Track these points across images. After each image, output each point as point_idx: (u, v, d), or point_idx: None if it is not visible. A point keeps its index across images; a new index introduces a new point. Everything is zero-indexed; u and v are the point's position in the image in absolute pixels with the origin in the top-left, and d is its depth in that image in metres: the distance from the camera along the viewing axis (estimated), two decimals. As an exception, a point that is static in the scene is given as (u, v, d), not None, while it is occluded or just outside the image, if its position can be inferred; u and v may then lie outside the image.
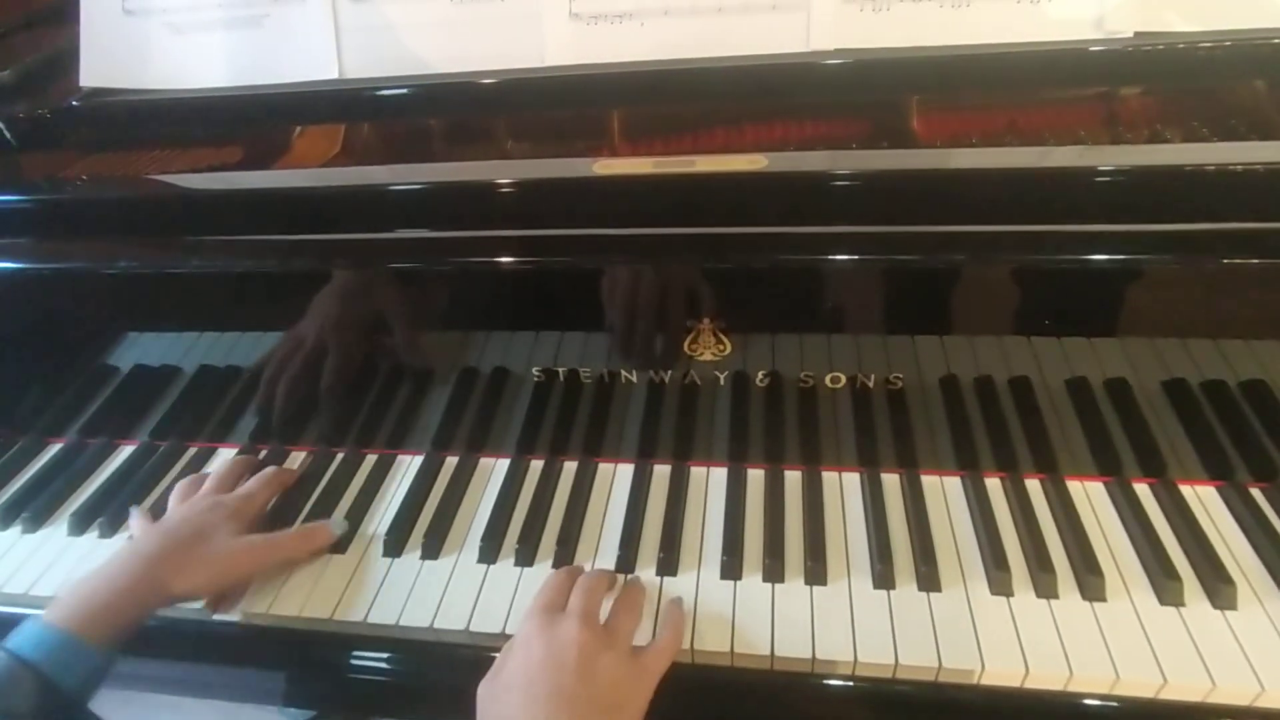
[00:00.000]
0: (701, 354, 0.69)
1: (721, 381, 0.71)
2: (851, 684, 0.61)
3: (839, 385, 0.70)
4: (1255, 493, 0.70)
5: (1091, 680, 0.58)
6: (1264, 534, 0.67)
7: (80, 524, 0.76)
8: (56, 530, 0.76)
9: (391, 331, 0.73)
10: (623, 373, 0.72)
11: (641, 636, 0.62)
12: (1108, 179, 0.63)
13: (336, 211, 0.73)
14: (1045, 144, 0.70)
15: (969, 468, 0.74)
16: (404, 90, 0.79)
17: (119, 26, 0.82)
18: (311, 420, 0.82)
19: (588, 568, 0.68)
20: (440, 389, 0.76)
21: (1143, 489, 0.71)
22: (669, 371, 0.71)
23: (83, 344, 0.80)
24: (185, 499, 0.72)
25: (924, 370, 0.69)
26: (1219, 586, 0.62)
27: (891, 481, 0.74)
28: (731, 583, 0.66)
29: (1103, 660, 0.58)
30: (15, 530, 0.77)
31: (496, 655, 0.63)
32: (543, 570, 0.68)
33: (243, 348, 0.78)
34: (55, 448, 0.86)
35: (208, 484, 0.74)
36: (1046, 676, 0.58)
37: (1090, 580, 0.63)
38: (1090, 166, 0.64)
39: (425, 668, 0.65)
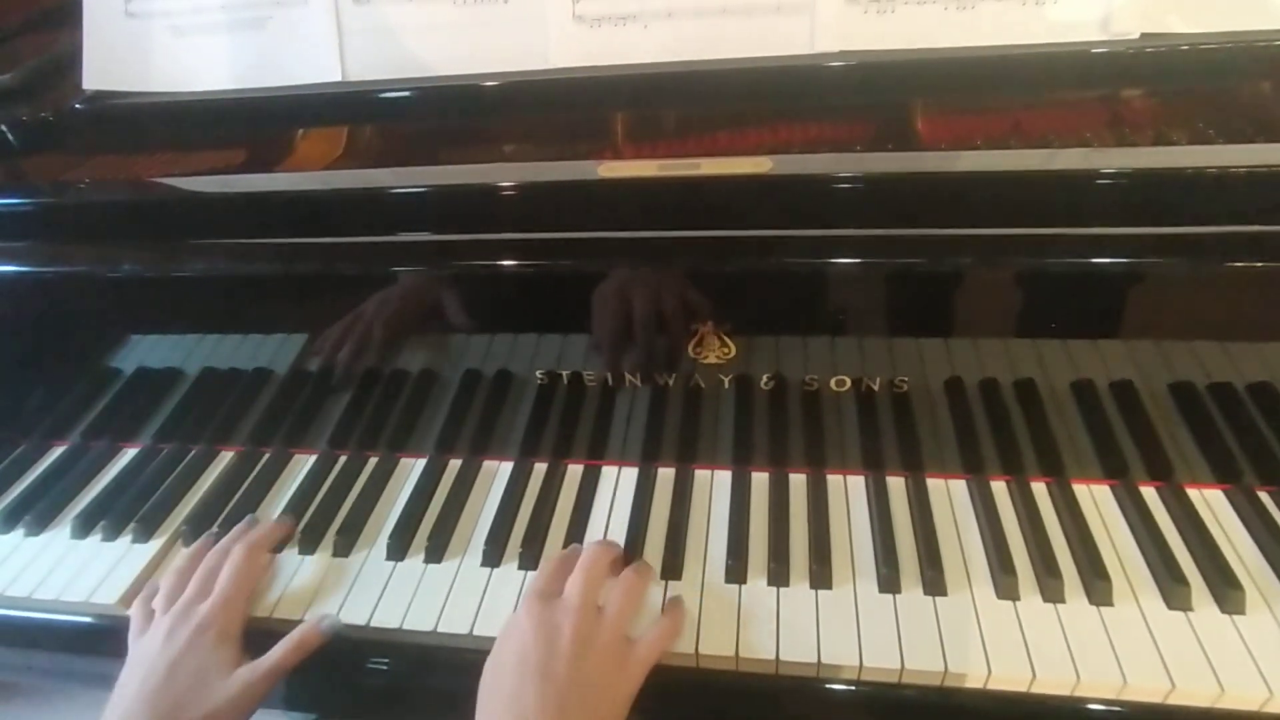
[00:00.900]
0: (706, 357, 0.69)
1: (726, 385, 0.71)
2: (857, 688, 0.60)
3: (844, 388, 0.70)
4: (1263, 496, 0.70)
5: (1098, 685, 0.57)
6: (1272, 538, 0.66)
7: (84, 527, 0.76)
8: (60, 533, 0.76)
9: (395, 334, 0.73)
10: (627, 376, 0.72)
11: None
12: (1113, 182, 0.63)
13: (339, 214, 0.73)
14: (1050, 146, 0.69)
15: (975, 471, 0.73)
16: (407, 93, 0.79)
17: (122, 29, 0.82)
18: (315, 423, 0.81)
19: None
20: (444, 392, 0.76)
21: (1149, 492, 0.71)
22: (673, 375, 0.71)
23: (86, 347, 0.80)
24: (169, 601, 0.66)
25: (929, 373, 0.68)
26: (1227, 591, 0.62)
27: (897, 485, 0.73)
28: (736, 586, 0.66)
29: (1110, 665, 0.58)
30: (18, 533, 0.76)
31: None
32: (546, 574, 0.68)
33: (245, 350, 0.78)
34: (58, 451, 0.86)
35: (190, 588, 0.66)
36: (1053, 681, 0.58)
37: (1097, 584, 0.63)
38: (1095, 169, 0.64)
39: (428, 671, 0.65)
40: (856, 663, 0.59)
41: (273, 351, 0.77)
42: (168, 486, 0.80)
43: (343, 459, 0.81)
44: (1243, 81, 0.73)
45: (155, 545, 0.74)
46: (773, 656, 0.60)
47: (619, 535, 0.71)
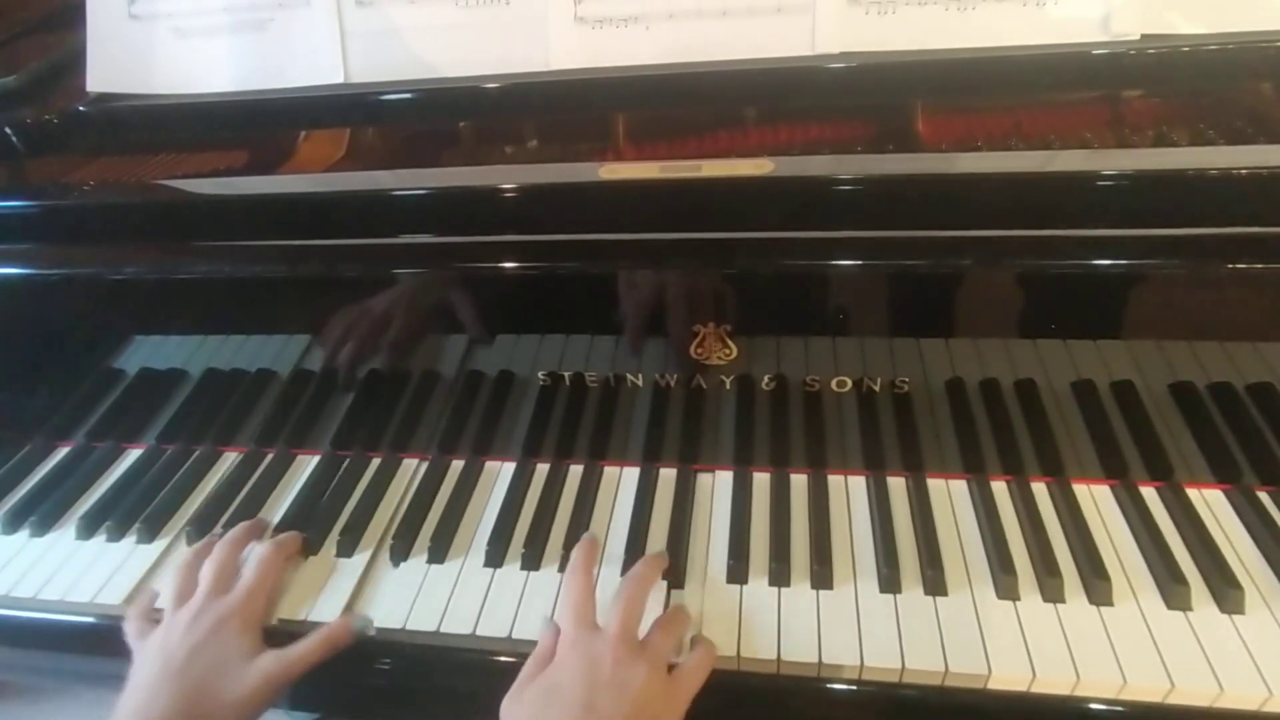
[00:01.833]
0: (707, 358, 0.69)
1: (727, 385, 0.71)
2: (858, 688, 0.60)
3: (845, 389, 0.70)
4: (1263, 496, 0.70)
5: (1098, 685, 0.58)
6: (1272, 538, 0.66)
7: (88, 527, 0.76)
8: (64, 534, 0.77)
9: (398, 336, 0.73)
10: (628, 377, 0.72)
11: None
12: (1113, 183, 0.63)
13: (342, 216, 0.73)
14: (1051, 147, 0.70)
15: (975, 471, 0.73)
16: (409, 95, 0.79)
17: (125, 31, 0.82)
18: (318, 424, 0.82)
19: (596, 570, 0.67)
20: (446, 393, 0.76)
21: (1149, 492, 0.71)
22: (675, 375, 0.71)
23: (90, 348, 0.81)
24: (181, 601, 0.65)
25: (930, 374, 0.68)
26: (1226, 591, 0.62)
27: (897, 485, 0.74)
28: (738, 586, 0.66)
29: (1110, 665, 0.58)
30: (23, 534, 0.77)
31: (502, 659, 0.64)
32: (549, 574, 0.68)
33: (248, 352, 0.78)
34: (63, 451, 0.86)
35: (204, 583, 0.66)
36: (1053, 681, 0.58)
37: (1097, 584, 0.63)
38: (1096, 170, 0.64)
39: (431, 671, 0.65)
40: (857, 662, 0.60)
41: (276, 353, 0.77)
42: (172, 487, 0.80)
43: (346, 460, 0.81)
44: (1244, 82, 0.73)
45: (160, 546, 0.75)
46: (774, 656, 0.61)
47: (620, 535, 0.71)
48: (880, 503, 0.72)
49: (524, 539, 0.71)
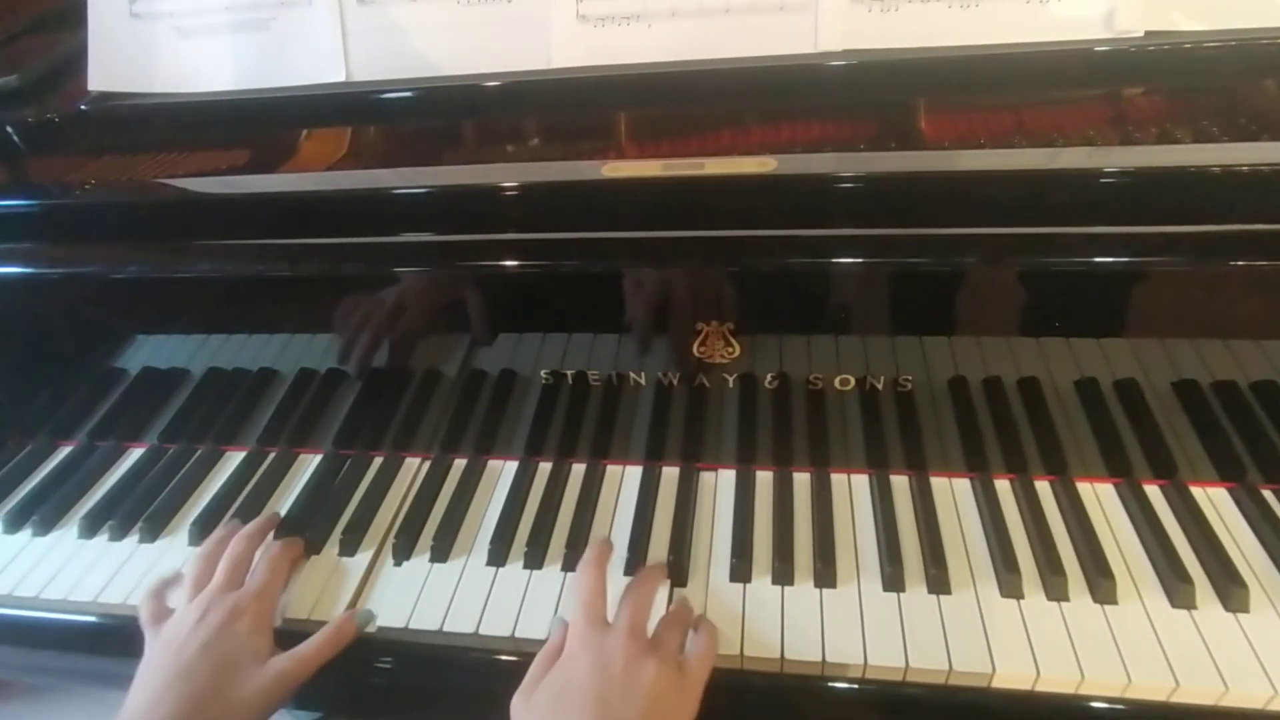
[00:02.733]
0: (710, 357, 0.69)
1: (730, 384, 0.71)
2: (861, 687, 0.60)
3: (848, 387, 0.70)
4: (1267, 494, 0.70)
5: (1103, 683, 0.58)
6: (1276, 536, 0.66)
7: (90, 527, 0.76)
8: (67, 533, 0.77)
9: (400, 335, 0.73)
10: (631, 375, 0.72)
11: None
12: (1117, 180, 0.63)
13: (344, 215, 0.73)
14: (1054, 145, 0.69)
15: (978, 470, 0.73)
16: (411, 93, 0.79)
17: (126, 30, 0.82)
18: (320, 423, 0.81)
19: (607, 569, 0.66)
20: (449, 392, 0.76)
21: (1153, 491, 0.71)
22: (677, 374, 0.71)
23: (91, 347, 0.81)
24: (196, 590, 0.65)
25: (933, 372, 0.68)
26: (1231, 589, 0.62)
27: (901, 483, 0.74)
28: (741, 585, 0.66)
29: (1114, 663, 0.58)
30: (26, 533, 0.77)
31: (505, 658, 0.64)
32: (552, 573, 0.68)
33: (250, 351, 0.78)
34: (65, 451, 0.86)
35: (218, 575, 0.66)
36: (1058, 680, 0.58)
37: (1101, 583, 0.63)
38: (1099, 168, 0.64)
39: (433, 670, 0.65)
40: (861, 661, 0.60)
41: (277, 352, 0.77)
42: (174, 487, 0.80)
43: (348, 459, 0.81)
44: (1247, 79, 0.73)
45: (162, 545, 0.75)
46: (777, 655, 0.61)
47: (623, 534, 0.71)
48: (884, 501, 0.71)
49: (527, 538, 0.71)
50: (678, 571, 0.67)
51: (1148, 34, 0.71)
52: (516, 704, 0.57)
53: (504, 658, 0.64)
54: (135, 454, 0.85)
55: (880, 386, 0.70)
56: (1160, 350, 0.65)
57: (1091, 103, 0.75)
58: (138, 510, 0.77)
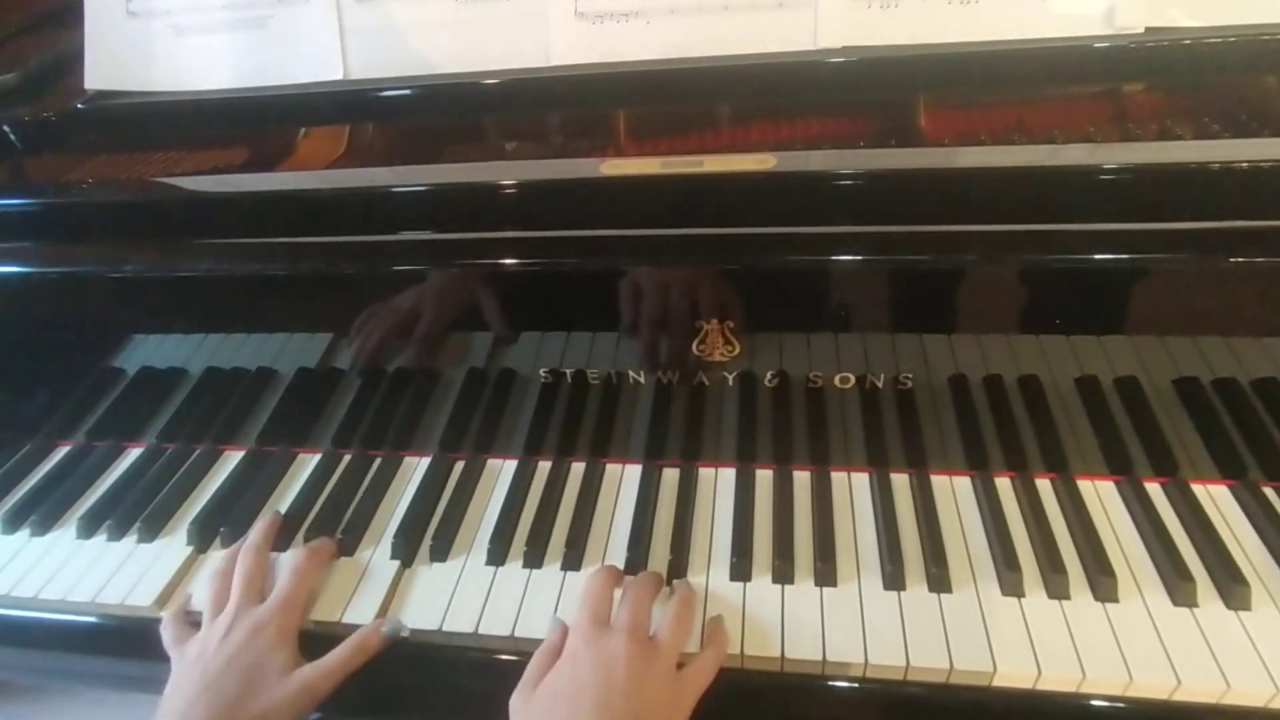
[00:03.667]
0: (710, 355, 0.69)
1: (730, 382, 0.71)
2: (862, 685, 0.60)
3: (848, 385, 0.70)
4: (1268, 492, 0.70)
5: (1105, 682, 0.57)
6: (1278, 533, 0.66)
7: (89, 527, 0.76)
8: (65, 533, 0.76)
9: (399, 333, 0.73)
10: (631, 374, 0.72)
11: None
12: (1117, 177, 0.63)
13: (342, 213, 0.73)
14: (1054, 142, 0.69)
15: (979, 468, 0.73)
16: (409, 91, 0.79)
17: (123, 29, 0.82)
18: (318, 423, 0.81)
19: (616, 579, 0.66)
20: (448, 391, 0.76)
21: (1154, 488, 0.71)
22: (677, 372, 0.71)
23: (89, 347, 0.80)
24: (218, 609, 0.65)
25: (933, 370, 0.68)
26: (1232, 587, 0.61)
27: (901, 482, 0.73)
28: (741, 584, 0.66)
29: (1116, 661, 0.58)
30: (24, 533, 0.77)
31: (505, 657, 0.63)
32: (551, 572, 0.68)
33: (248, 350, 0.78)
34: (63, 450, 0.86)
35: (235, 592, 0.65)
36: (1059, 678, 0.58)
37: (1102, 581, 0.63)
38: (1099, 164, 0.64)
39: (433, 670, 0.65)
40: (862, 660, 0.59)
41: (276, 351, 0.77)
42: (172, 486, 0.80)
43: (347, 458, 0.81)
44: (1247, 76, 0.73)
45: (160, 544, 0.74)
46: (778, 654, 0.60)
47: (623, 533, 0.71)
48: (884, 499, 0.71)
49: (526, 537, 0.71)
50: (678, 570, 0.67)
51: (1148, 30, 0.71)
52: (516, 702, 0.57)
53: (504, 657, 0.64)
54: (134, 453, 0.85)
55: (880, 385, 0.69)
56: (1161, 347, 0.65)
57: (1092, 99, 0.75)
58: (136, 510, 0.77)
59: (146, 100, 0.82)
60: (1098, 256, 0.61)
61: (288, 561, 0.68)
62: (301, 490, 0.78)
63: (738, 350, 0.69)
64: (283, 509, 0.76)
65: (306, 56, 0.80)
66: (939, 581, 0.64)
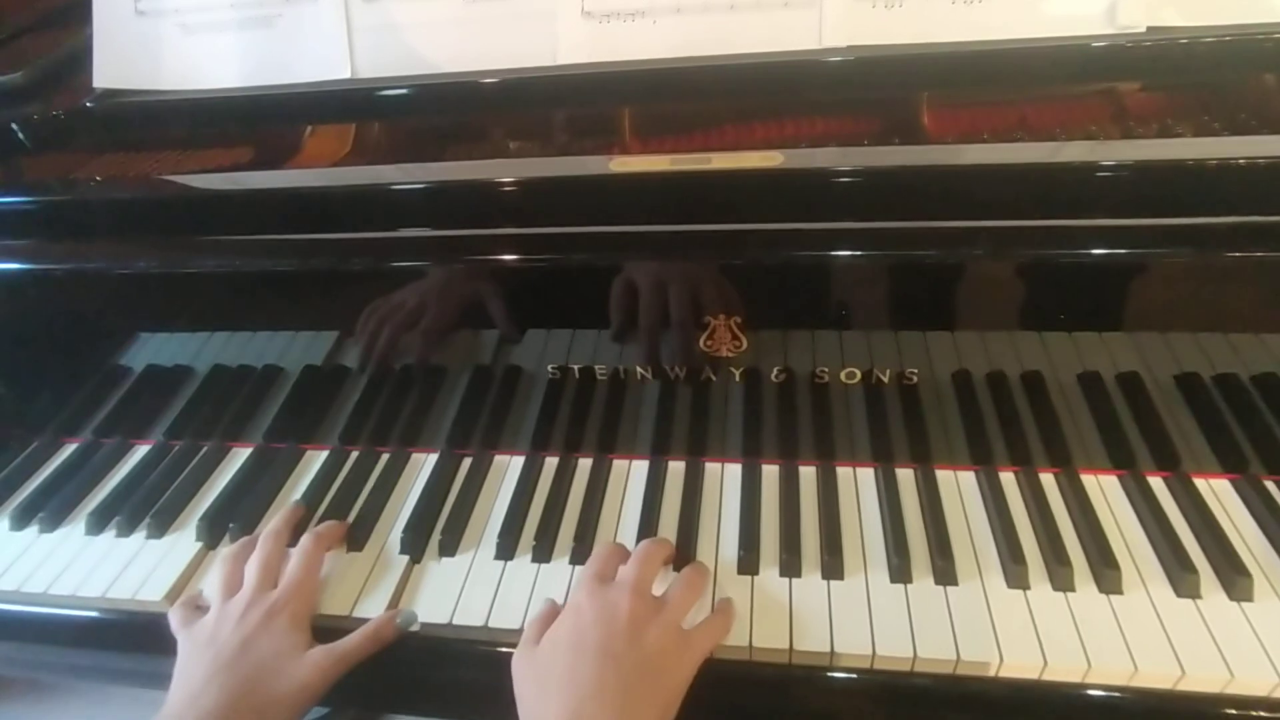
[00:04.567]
0: (717, 350, 0.69)
1: (737, 377, 0.71)
2: (869, 677, 0.61)
3: (854, 381, 0.70)
4: (1270, 485, 0.71)
5: (1109, 672, 0.58)
6: (1279, 525, 0.67)
7: (97, 523, 0.76)
8: (74, 529, 0.77)
9: (407, 330, 0.73)
10: (637, 369, 0.72)
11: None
12: (1118, 174, 0.63)
13: (348, 211, 0.73)
14: (1057, 140, 0.70)
15: (984, 462, 0.74)
16: (416, 90, 0.79)
17: (131, 27, 0.82)
18: (326, 419, 0.82)
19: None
20: (455, 387, 0.77)
21: (1157, 482, 0.72)
22: (684, 368, 0.72)
23: (97, 344, 0.81)
24: (229, 593, 0.66)
25: (938, 365, 0.69)
26: (1235, 578, 0.62)
27: (906, 476, 0.74)
28: (748, 578, 0.66)
29: (1120, 652, 0.58)
30: (33, 530, 0.77)
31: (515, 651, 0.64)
32: (560, 566, 0.69)
33: (255, 347, 0.78)
34: (71, 447, 0.86)
35: (252, 576, 0.66)
36: (1064, 669, 0.58)
37: (1106, 573, 0.63)
38: (1100, 161, 0.64)
39: (442, 663, 0.65)
40: (869, 652, 0.60)
41: (283, 348, 0.78)
42: (181, 483, 0.80)
43: (355, 455, 0.82)
44: (1247, 74, 0.74)
45: (170, 540, 0.75)
46: (785, 646, 0.61)
47: (631, 528, 0.71)
48: (889, 494, 0.72)
49: (534, 532, 0.71)
50: (685, 564, 0.67)
51: (1149, 29, 0.71)
52: (518, 660, 0.58)
53: (514, 651, 0.64)
54: (141, 450, 0.85)
55: (886, 380, 0.70)
56: (1163, 343, 0.65)
57: (1094, 98, 0.75)
58: (145, 506, 0.77)
59: (155, 98, 0.83)
60: (1100, 252, 0.62)
61: (296, 548, 0.69)
62: (310, 486, 0.79)
63: (744, 346, 0.69)
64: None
65: (314, 55, 0.80)
66: (945, 574, 0.65)
